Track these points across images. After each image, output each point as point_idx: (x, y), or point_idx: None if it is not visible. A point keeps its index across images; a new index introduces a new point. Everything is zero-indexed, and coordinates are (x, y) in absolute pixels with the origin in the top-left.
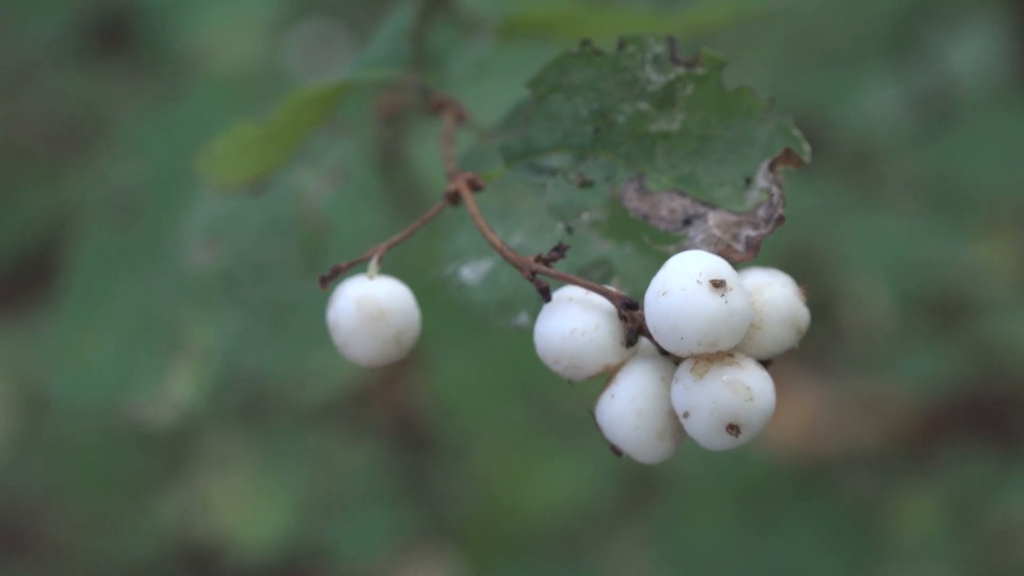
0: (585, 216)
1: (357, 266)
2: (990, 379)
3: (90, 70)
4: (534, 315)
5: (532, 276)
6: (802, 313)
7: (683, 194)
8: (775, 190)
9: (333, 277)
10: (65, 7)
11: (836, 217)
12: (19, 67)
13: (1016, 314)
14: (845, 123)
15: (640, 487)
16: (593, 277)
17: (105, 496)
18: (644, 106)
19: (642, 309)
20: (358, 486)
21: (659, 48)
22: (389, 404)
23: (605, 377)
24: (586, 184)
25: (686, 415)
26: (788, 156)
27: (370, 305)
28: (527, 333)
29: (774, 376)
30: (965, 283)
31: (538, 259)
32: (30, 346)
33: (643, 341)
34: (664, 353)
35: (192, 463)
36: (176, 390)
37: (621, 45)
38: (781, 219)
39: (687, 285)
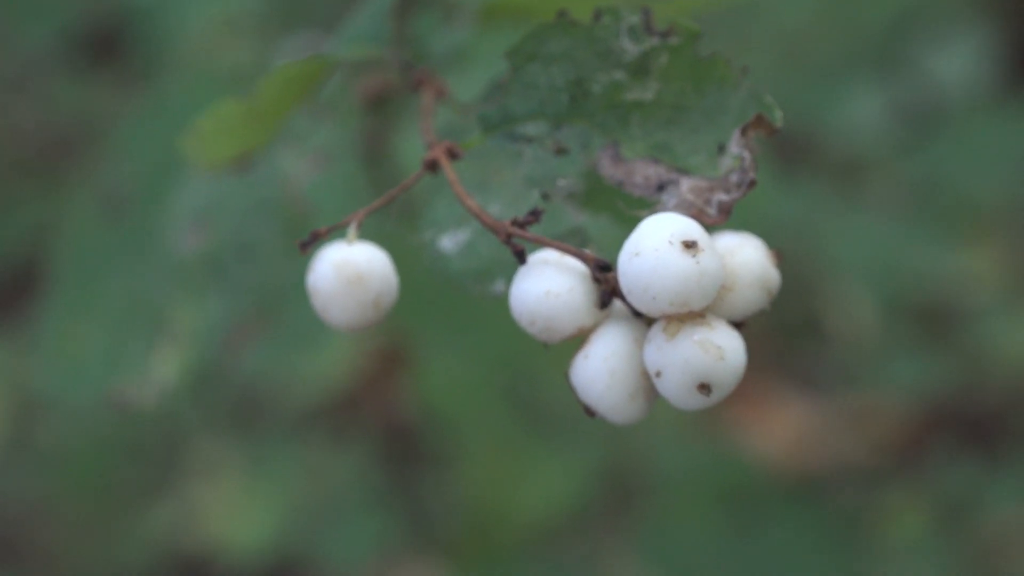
0: (561, 183)
1: (336, 232)
2: (976, 387)
3: (82, 80)
4: (510, 282)
5: (508, 239)
6: (773, 275)
7: (657, 161)
8: (747, 155)
9: (312, 242)
10: (57, 16)
11: (822, 225)
12: (12, 77)
13: (1001, 322)
14: (833, 132)
15: (627, 492)
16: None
17: (97, 504)
18: (619, 75)
19: (615, 271)
20: (346, 493)
21: (634, 19)
22: (377, 410)
23: (580, 340)
24: (562, 151)
25: (658, 375)
26: (760, 122)
27: (349, 269)
28: (514, 335)
29: (759, 385)
30: (951, 291)
31: (514, 223)
32: (23, 355)
33: (617, 304)
34: (637, 315)
35: (182, 471)
36: (161, 372)
37: (597, 16)
38: (753, 183)
39: (659, 246)
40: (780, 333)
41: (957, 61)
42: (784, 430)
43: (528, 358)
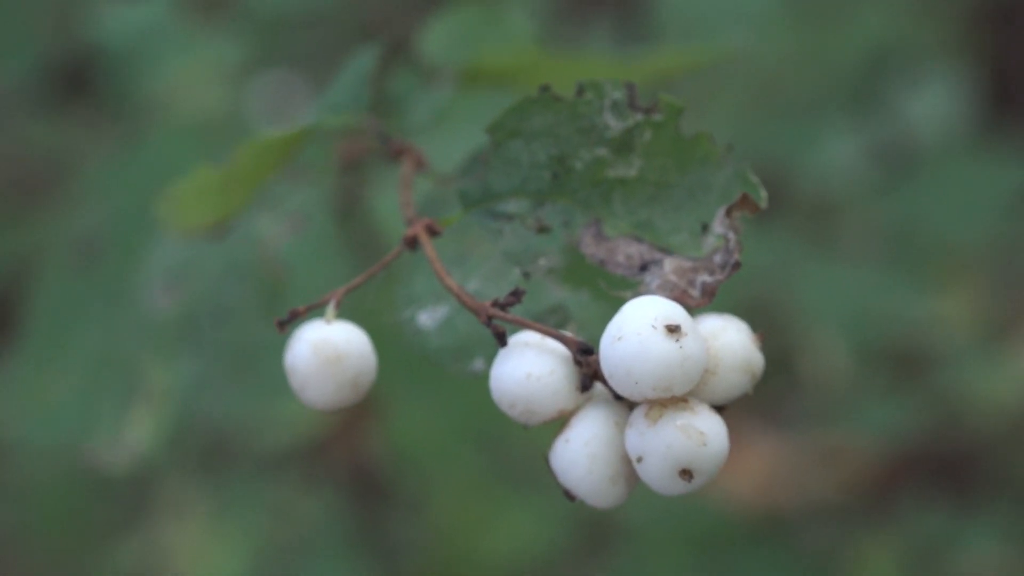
0: (542, 262)
1: (315, 310)
2: (947, 430)
3: (53, 117)
4: (490, 361)
5: (488, 321)
6: (756, 358)
7: (640, 240)
8: (731, 236)
9: (291, 321)
10: (28, 52)
11: (795, 269)
12: None
13: (973, 366)
14: (805, 175)
15: (597, 536)
16: (549, 323)
17: (65, 542)
18: (602, 152)
19: (597, 354)
20: (315, 536)
21: (618, 94)
22: (346, 453)
23: (560, 422)
24: (543, 229)
25: (639, 460)
26: (745, 202)
27: (327, 349)
28: (483, 382)
29: (729, 424)
30: (923, 335)
31: (494, 304)
32: None
33: (598, 386)
34: (619, 398)
35: (151, 510)
36: (134, 434)
37: (580, 91)
38: (737, 265)
39: (642, 330)
40: None
41: (931, 102)
42: (754, 469)
43: (499, 415)
